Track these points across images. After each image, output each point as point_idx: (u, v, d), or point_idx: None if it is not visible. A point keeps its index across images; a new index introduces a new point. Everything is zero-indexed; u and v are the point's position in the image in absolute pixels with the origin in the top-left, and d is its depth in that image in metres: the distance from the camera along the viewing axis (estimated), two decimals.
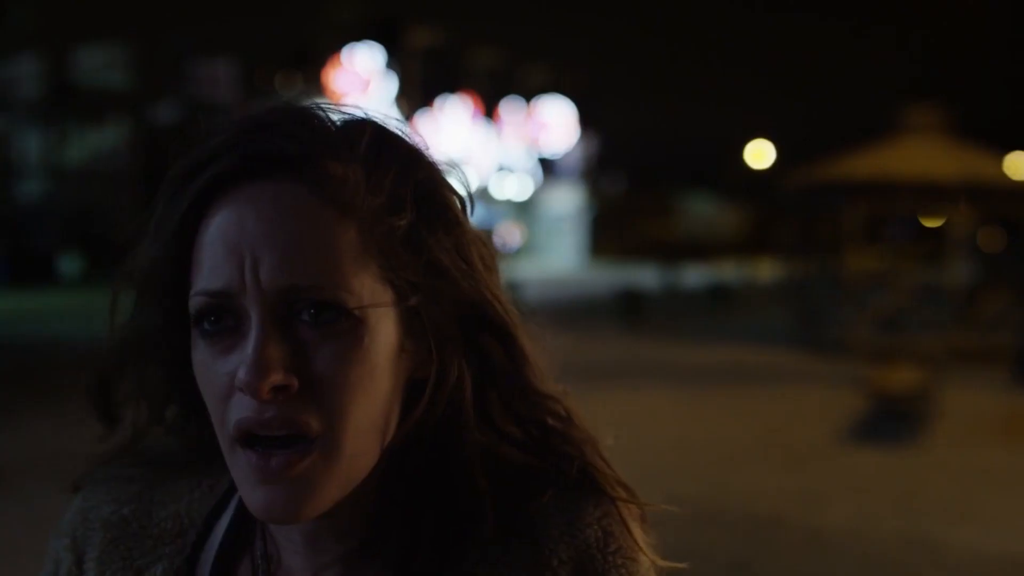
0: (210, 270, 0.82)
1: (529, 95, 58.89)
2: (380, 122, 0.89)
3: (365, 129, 0.88)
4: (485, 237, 0.93)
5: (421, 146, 0.90)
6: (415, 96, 48.83)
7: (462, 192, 0.92)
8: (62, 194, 37.86)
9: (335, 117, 0.88)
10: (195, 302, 0.83)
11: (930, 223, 25.85)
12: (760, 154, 44.27)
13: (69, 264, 34.21)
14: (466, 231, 0.90)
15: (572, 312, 22.10)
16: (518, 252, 52.96)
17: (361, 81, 47.02)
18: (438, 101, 52.25)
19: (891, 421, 10.03)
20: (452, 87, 53.27)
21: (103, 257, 32.14)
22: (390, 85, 48.90)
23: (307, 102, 0.89)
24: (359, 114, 0.89)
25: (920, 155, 17.00)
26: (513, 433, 0.92)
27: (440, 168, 0.91)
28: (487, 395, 0.91)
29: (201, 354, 0.84)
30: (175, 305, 0.87)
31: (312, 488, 0.82)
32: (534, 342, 0.94)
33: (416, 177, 0.87)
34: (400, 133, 0.90)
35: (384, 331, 0.84)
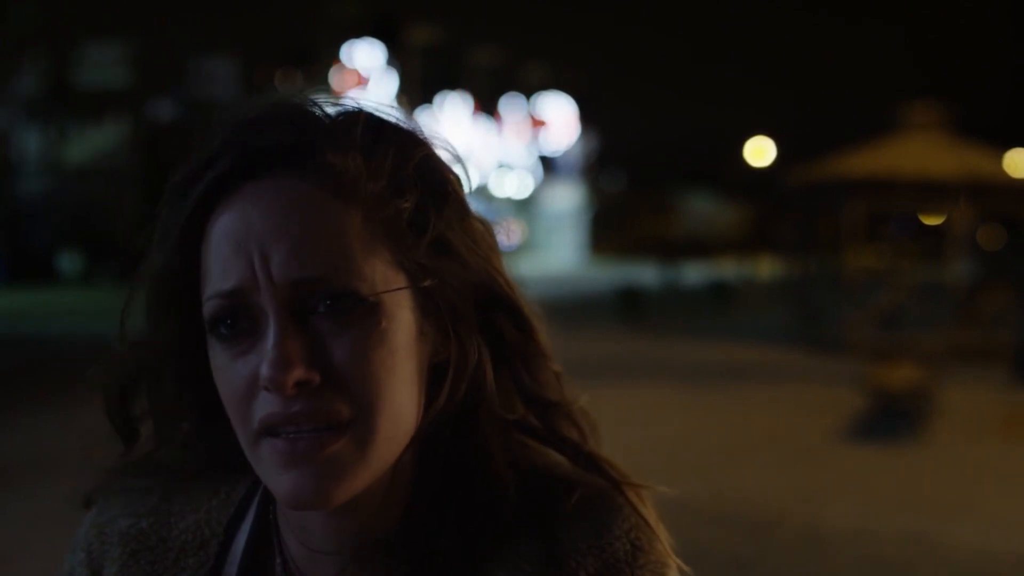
0: (221, 272, 0.81)
1: (529, 93, 58.94)
2: (372, 110, 0.89)
3: (359, 117, 0.87)
4: (485, 220, 0.93)
5: (415, 129, 0.90)
6: (415, 93, 48.84)
7: (460, 173, 0.91)
8: (62, 192, 37.85)
9: (328, 108, 0.87)
10: (209, 307, 0.82)
11: (930, 221, 25.81)
12: (760, 152, 44.28)
13: (69, 262, 34.23)
14: (468, 209, 0.90)
15: (572, 310, 22.09)
16: (518, 250, 52.96)
17: (361, 78, 47.07)
18: (438, 98, 52.27)
19: (891, 419, 10.03)
20: (452, 84, 53.31)
21: (103, 255, 32.18)
22: (390, 82, 48.93)
23: (300, 96, 0.88)
24: (351, 104, 0.89)
25: (920, 153, 16.99)
26: (519, 412, 0.92)
27: (436, 148, 0.90)
28: (500, 375, 0.90)
29: (219, 359, 0.83)
30: (186, 318, 0.86)
31: (344, 471, 0.80)
32: (538, 320, 0.94)
33: (414, 157, 0.86)
34: (393, 119, 0.89)
35: (402, 315, 0.83)
